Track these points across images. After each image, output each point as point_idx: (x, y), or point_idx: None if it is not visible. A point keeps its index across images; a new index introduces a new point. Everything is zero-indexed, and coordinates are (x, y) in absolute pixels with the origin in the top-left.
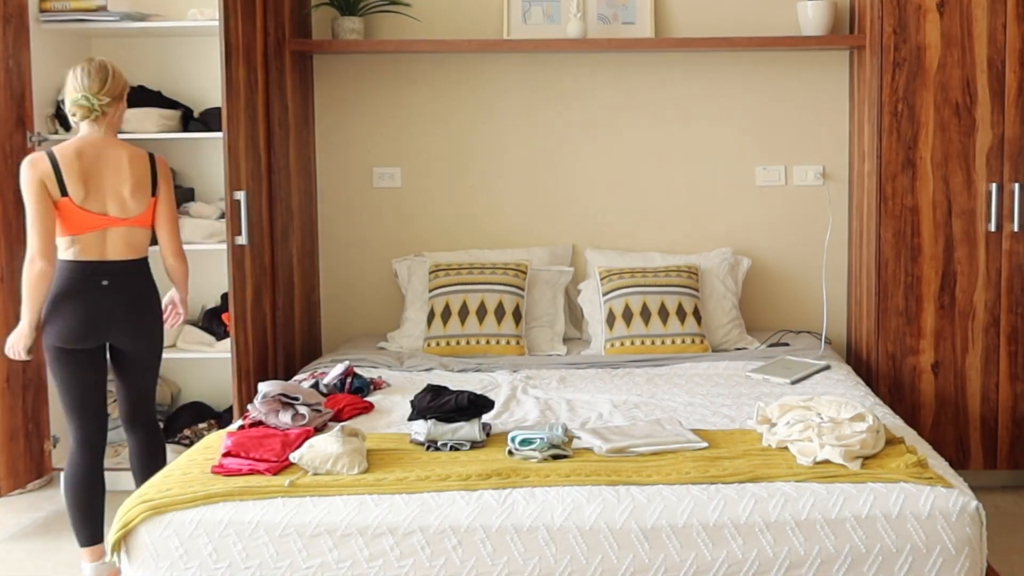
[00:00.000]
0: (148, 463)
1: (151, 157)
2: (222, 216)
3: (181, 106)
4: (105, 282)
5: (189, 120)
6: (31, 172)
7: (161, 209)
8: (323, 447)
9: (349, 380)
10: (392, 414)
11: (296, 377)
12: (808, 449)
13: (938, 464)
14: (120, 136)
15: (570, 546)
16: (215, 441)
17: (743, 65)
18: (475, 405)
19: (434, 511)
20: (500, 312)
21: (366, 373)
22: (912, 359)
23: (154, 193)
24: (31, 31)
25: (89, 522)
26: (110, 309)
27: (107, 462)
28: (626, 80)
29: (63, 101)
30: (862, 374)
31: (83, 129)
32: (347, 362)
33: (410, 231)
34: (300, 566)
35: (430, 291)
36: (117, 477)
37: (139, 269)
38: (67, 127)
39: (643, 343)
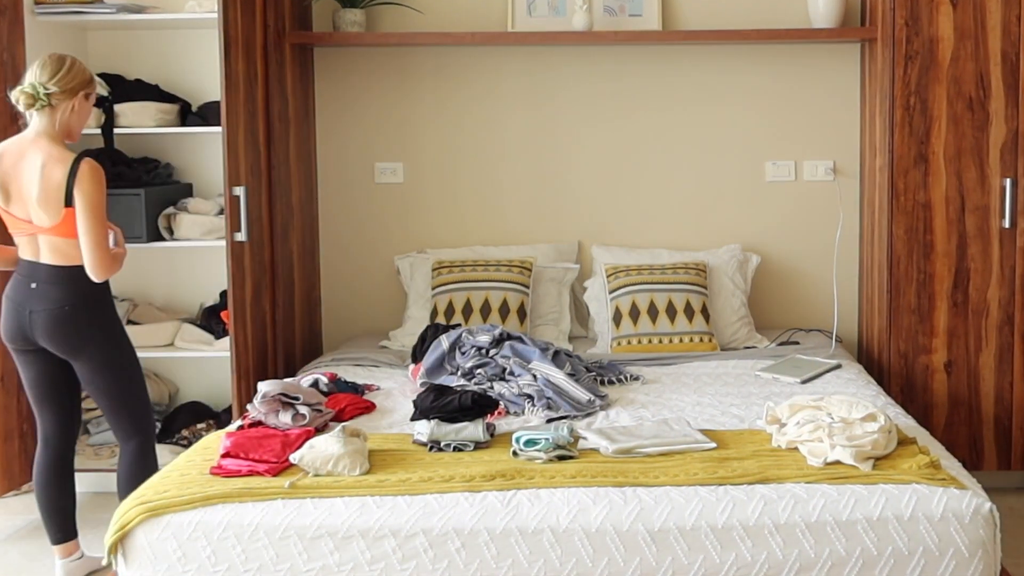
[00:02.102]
0: (128, 479)
1: (75, 164)
2: (221, 212)
3: (179, 100)
4: (33, 285)
5: (187, 114)
6: None
7: (78, 222)
8: (324, 448)
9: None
10: (394, 414)
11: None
12: (818, 450)
13: (951, 465)
14: (116, 131)
15: (576, 548)
16: (214, 442)
17: (752, 58)
18: (479, 405)
19: (437, 513)
20: (505, 310)
21: (368, 373)
22: (924, 358)
23: (69, 203)
24: (26, 23)
25: (52, 521)
26: (32, 315)
27: (104, 463)
28: (633, 73)
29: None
30: (873, 373)
31: (31, 122)
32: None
33: (413, 227)
34: (300, 569)
35: (433, 289)
36: (116, 478)
37: (66, 278)
38: None
39: (650, 341)
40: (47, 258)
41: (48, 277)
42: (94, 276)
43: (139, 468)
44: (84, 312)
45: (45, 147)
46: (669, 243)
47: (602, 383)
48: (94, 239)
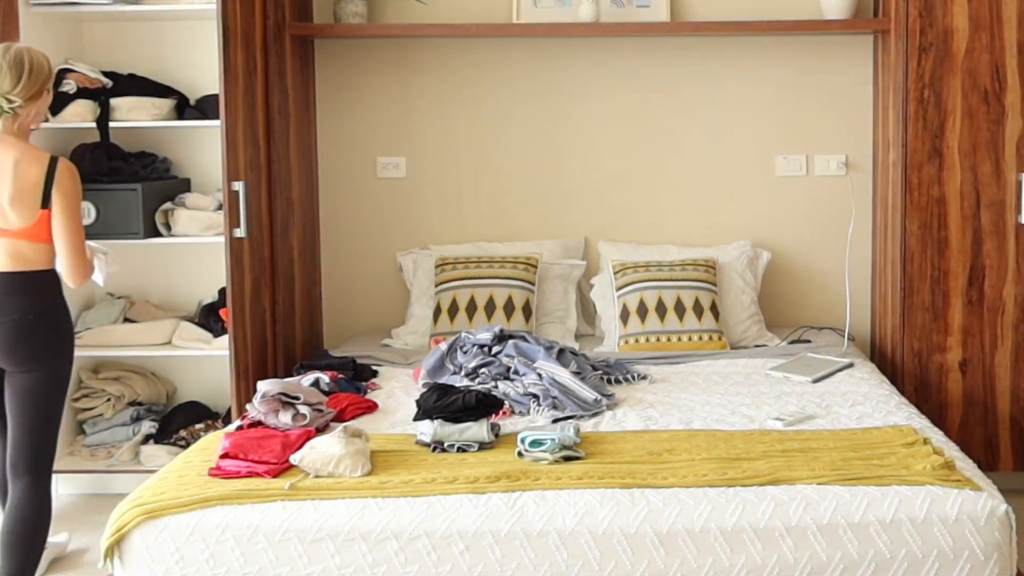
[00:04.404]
0: (14, 526)
1: (52, 163)
2: (219, 208)
3: (176, 93)
4: None
5: (185, 108)
6: None
7: (54, 223)
8: (325, 448)
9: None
10: (397, 414)
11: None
12: None
13: (966, 466)
14: (112, 125)
15: (582, 551)
16: (212, 442)
17: (763, 50)
18: (483, 404)
19: (440, 515)
20: (509, 308)
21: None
22: (939, 357)
23: (45, 204)
24: (20, 15)
25: None
26: None
27: (100, 464)
28: (641, 66)
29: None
30: (887, 372)
31: None
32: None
33: (415, 223)
34: (300, 572)
35: (436, 286)
36: (112, 479)
37: (25, 285)
38: (55, 113)
39: (658, 340)
40: (4, 264)
41: (7, 286)
42: (72, 281)
43: (32, 512)
44: (47, 322)
45: (15, 144)
46: (677, 239)
47: (609, 382)
48: (74, 241)
